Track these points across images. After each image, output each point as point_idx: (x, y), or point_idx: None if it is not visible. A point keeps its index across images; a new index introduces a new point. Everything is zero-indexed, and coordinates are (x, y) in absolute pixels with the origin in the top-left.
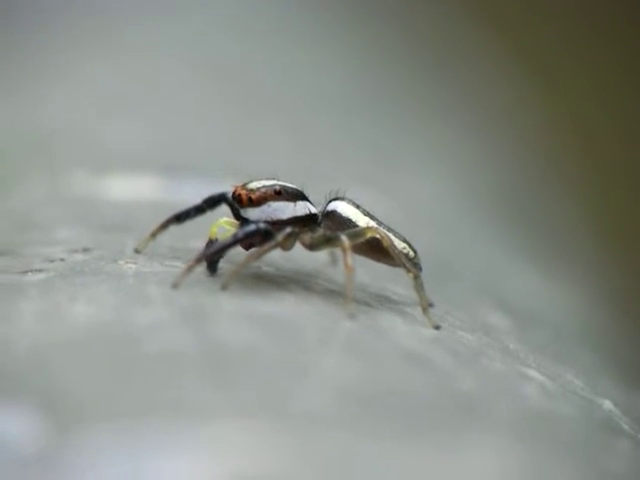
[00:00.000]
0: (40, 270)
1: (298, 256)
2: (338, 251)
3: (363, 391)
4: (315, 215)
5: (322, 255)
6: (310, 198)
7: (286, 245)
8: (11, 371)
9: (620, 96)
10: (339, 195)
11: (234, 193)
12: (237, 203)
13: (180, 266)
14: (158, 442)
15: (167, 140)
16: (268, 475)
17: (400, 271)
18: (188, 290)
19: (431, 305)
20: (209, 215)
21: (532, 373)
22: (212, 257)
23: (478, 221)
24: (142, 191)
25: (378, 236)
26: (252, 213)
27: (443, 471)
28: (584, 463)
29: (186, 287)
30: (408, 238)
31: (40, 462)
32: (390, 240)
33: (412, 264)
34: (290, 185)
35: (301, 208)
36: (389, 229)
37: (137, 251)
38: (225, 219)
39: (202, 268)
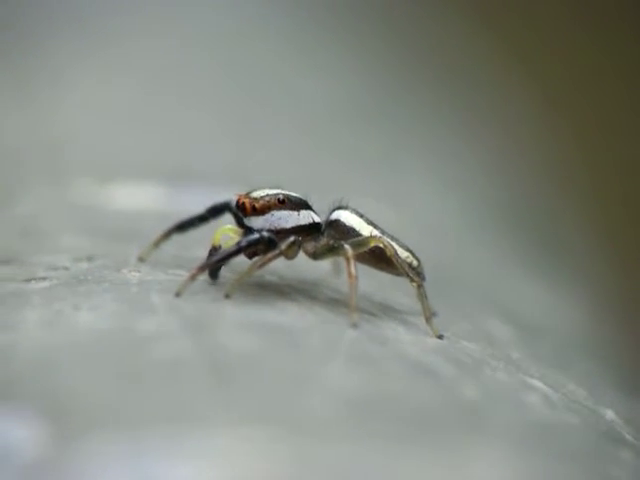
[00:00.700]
0: (44, 278)
1: (302, 265)
2: (341, 260)
3: (366, 400)
4: (318, 224)
5: (325, 264)
6: (314, 207)
7: (289, 254)
8: (15, 378)
9: (623, 109)
10: (342, 204)
11: (238, 202)
12: (241, 212)
13: (183, 274)
14: (161, 450)
15: (171, 149)
16: None
17: (403, 280)
18: (192, 299)
19: (434, 314)
20: (212, 224)
21: (535, 383)
22: (215, 265)
23: (482, 231)
24: (146, 200)
25: (381, 245)
26: (256, 222)
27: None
28: (587, 473)
29: (189, 295)
30: (412, 248)
31: (43, 468)
32: (393, 249)
33: (415, 273)
34: (294, 194)
35: (305, 217)
36: (392, 238)
37: (141, 260)
38: (229, 226)
39: (205, 276)
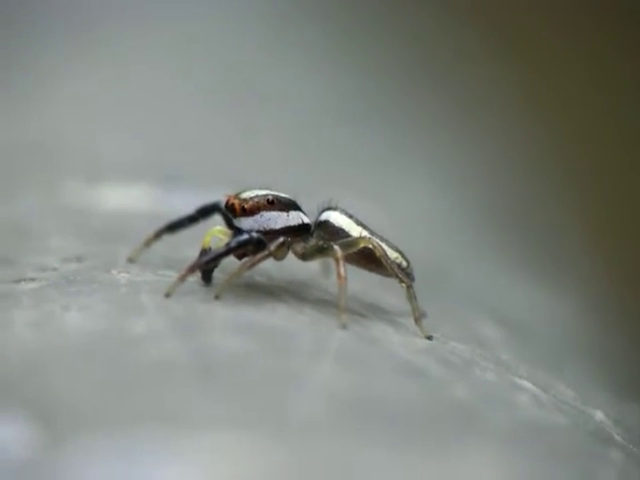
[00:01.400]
0: (33, 279)
1: (291, 266)
2: (331, 261)
3: (356, 401)
4: (308, 225)
5: (315, 265)
6: (303, 208)
7: (279, 255)
8: (4, 379)
9: (622, 110)
10: (332, 205)
11: (227, 203)
12: (230, 212)
13: (173, 275)
14: (151, 451)
15: (161, 150)
16: None
17: (393, 281)
18: (181, 299)
19: (424, 315)
20: (202, 225)
21: (524, 384)
22: (205, 266)
23: (474, 233)
24: (136, 201)
25: (371, 246)
26: (245, 222)
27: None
28: (576, 473)
29: (179, 296)
30: (403, 248)
31: (33, 470)
32: (383, 250)
33: (405, 274)
34: (283, 195)
35: (294, 218)
36: (382, 239)
37: (130, 261)
38: (219, 228)
39: (196, 278)
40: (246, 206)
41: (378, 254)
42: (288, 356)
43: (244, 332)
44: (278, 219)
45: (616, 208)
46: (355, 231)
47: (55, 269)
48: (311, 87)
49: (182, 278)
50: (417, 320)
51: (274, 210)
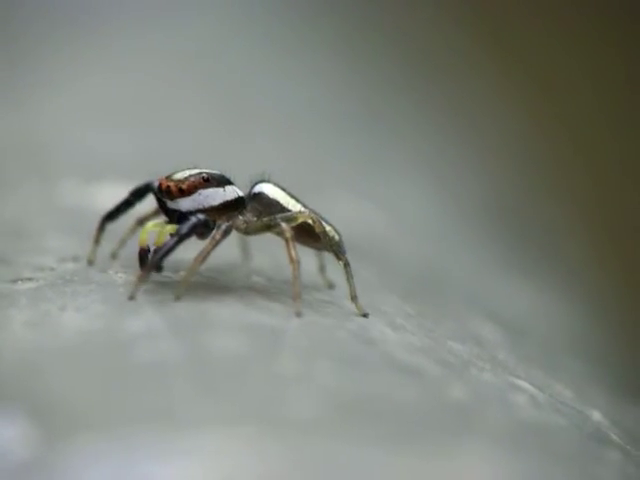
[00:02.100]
0: (30, 279)
1: (287, 266)
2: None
3: (352, 400)
4: (243, 198)
5: (313, 266)
6: (234, 182)
7: (224, 238)
8: (1, 379)
9: (620, 110)
10: (264, 177)
11: (161, 186)
12: (166, 195)
13: (170, 276)
14: (148, 450)
15: (156, 150)
16: None
17: (393, 283)
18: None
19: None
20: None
21: (522, 384)
22: (160, 261)
23: (470, 233)
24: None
25: (310, 221)
26: (183, 203)
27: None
28: (573, 473)
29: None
30: (402, 250)
31: (30, 469)
32: (322, 226)
33: (340, 249)
34: (214, 171)
35: (230, 192)
36: (314, 212)
37: (90, 263)
38: (151, 223)
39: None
40: (183, 186)
41: (318, 230)
42: (284, 356)
43: (241, 332)
44: (216, 195)
45: (613, 208)
46: (290, 203)
47: (52, 269)
48: (307, 88)
49: (140, 280)
50: (353, 298)
51: (211, 187)
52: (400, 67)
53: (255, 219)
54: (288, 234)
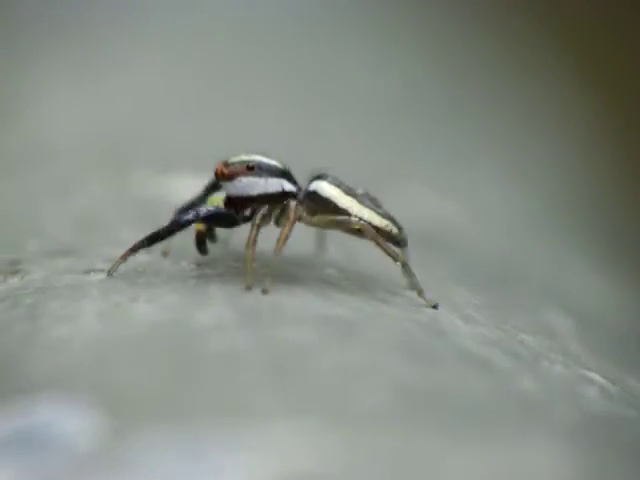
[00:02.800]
0: (103, 270)
1: (362, 258)
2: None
3: (422, 391)
4: (289, 193)
5: (385, 259)
6: (295, 177)
7: (263, 224)
8: (72, 369)
9: None
10: (322, 173)
11: (216, 168)
12: (215, 177)
13: (240, 268)
14: (216, 441)
15: (230, 143)
16: (326, 474)
17: (465, 274)
18: (250, 290)
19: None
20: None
21: (593, 376)
22: (148, 244)
23: (547, 225)
24: None
25: (363, 230)
26: (226, 187)
27: (501, 472)
28: None
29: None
30: (477, 242)
31: (100, 458)
32: (374, 233)
33: (394, 241)
34: (269, 161)
35: (272, 185)
36: (373, 207)
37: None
38: (218, 196)
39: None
40: (225, 171)
41: (370, 238)
42: (354, 348)
43: (311, 323)
44: (255, 185)
45: None
46: (343, 201)
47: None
48: (387, 80)
49: (125, 257)
50: (420, 293)
51: (252, 176)
52: (483, 60)
53: (309, 216)
54: (291, 216)
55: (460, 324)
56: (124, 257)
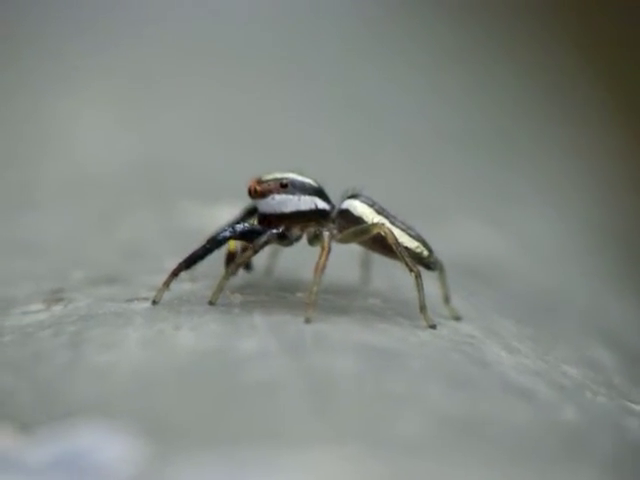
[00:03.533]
0: (146, 298)
1: (405, 288)
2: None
3: (463, 421)
4: (322, 211)
5: (436, 289)
6: (328, 195)
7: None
8: (114, 396)
9: None
10: (356, 192)
11: (249, 185)
12: (249, 194)
13: (286, 296)
14: (255, 466)
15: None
16: None
17: (511, 306)
18: (293, 320)
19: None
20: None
21: (636, 408)
22: (187, 267)
23: (588, 257)
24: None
25: (383, 233)
26: (259, 205)
27: None
28: None
29: (292, 317)
30: (521, 274)
31: None
32: (394, 237)
33: (425, 263)
34: (302, 179)
35: (305, 203)
36: (404, 228)
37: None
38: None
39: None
40: (258, 188)
41: (390, 241)
42: (397, 377)
43: (354, 353)
44: (288, 203)
45: None
46: (375, 220)
47: (168, 289)
48: (431, 106)
49: (168, 282)
50: (422, 309)
51: (285, 193)
52: (534, 95)
53: (339, 234)
54: (325, 242)
55: (504, 355)
56: (167, 283)
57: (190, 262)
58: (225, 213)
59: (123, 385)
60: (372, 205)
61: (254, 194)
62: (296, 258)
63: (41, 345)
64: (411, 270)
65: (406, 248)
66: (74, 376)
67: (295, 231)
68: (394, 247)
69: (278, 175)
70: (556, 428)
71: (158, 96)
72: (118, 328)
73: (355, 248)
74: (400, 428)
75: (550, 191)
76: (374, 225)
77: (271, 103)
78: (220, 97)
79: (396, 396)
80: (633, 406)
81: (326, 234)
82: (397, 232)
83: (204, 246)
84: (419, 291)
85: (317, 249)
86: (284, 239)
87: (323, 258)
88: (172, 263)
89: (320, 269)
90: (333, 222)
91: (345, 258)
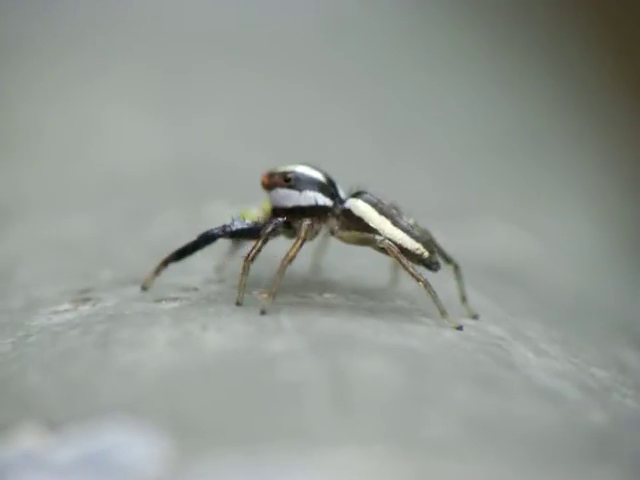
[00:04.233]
0: (174, 299)
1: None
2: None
3: (491, 422)
4: (324, 207)
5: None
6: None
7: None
8: (141, 395)
9: None
10: (360, 190)
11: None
12: (262, 186)
13: (313, 297)
14: (280, 466)
15: None
16: None
17: (539, 307)
18: (321, 320)
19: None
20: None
21: None
22: (177, 258)
23: (622, 263)
24: None
25: (385, 247)
26: (269, 197)
27: None
28: None
29: (318, 317)
30: (551, 277)
31: None
32: (397, 252)
33: (425, 264)
34: (310, 173)
35: (307, 198)
36: (407, 229)
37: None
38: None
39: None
40: (265, 181)
41: (392, 256)
42: (424, 378)
43: (382, 354)
44: (290, 197)
45: None
46: (375, 221)
47: (196, 289)
48: (462, 114)
49: (158, 270)
50: (443, 314)
51: (288, 188)
52: (563, 96)
53: (341, 231)
54: (302, 233)
55: (531, 357)
56: (157, 271)
57: (180, 255)
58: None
59: (150, 385)
60: (375, 205)
61: (263, 186)
62: (326, 259)
63: (69, 344)
64: (418, 280)
65: (406, 250)
66: (101, 375)
67: (297, 224)
68: (398, 261)
69: (287, 168)
70: (584, 430)
71: (189, 97)
72: (145, 328)
73: None
74: (427, 429)
75: (579, 193)
76: (380, 241)
77: (302, 106)
78: (252, 98)
79: (423, 397)
80: None
81: (305, 224)
82: (399, 234)
83: (194, 241)
84: (433, 298)
85: (348, 248)
86: (290, 228)
87: (294, 249)
88: (200, 263)
89: (288, 259)
90: (338, 218)
91: (373, 259)
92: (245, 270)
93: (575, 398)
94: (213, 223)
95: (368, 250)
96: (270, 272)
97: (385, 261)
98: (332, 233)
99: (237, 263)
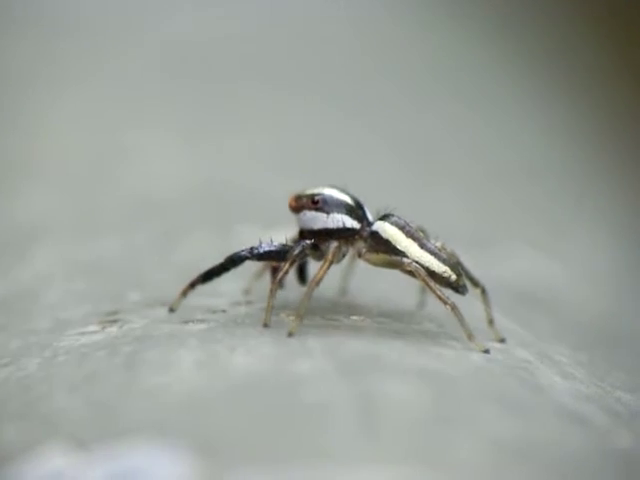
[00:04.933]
0: (202, 320)
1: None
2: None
3: (516, 445)
4: (352, 229)
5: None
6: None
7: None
8: (168, 416)
9: None
10: (388, 212)
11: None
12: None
13: (341, 319)
14: None
15: None
16: None
17: (569, 331)
18: (347, 342)
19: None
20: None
21: None
22: (203, 281)
23: None
24: None
25: (412, 270)
26: (297, 219)
27: None
28: None
29: (345, 339)
30: (577, 301)
31: None
32: (424, 276)
33: (453, 287)
34: (338, 196)
35: (334, 221)
36: (434, 252)
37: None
38: None
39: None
40: (292, 204)
41: (419, 279)
42: (450, 400)
43: (409, 376)
44: (317, 220)
45: None
46: (403, 243)
47: (224, 311)
48: (490, 141)
49: (184, 293)
50: (469, 337)
51: (315, 210)
52: (587, 125)
53: (368, 253)
54: (329, 256)
55: (558, 380)
56: (184, 293)
57: (207, 277)
58: (282, 237)
59: (177, 406)
60: (402, 227)
61: (290, 208)
62: (354, 281)
63: (97, 365)
64: (445, 303)
65: (433, 273)
66: (129, 396)
67: (324, 246)
68: (425, 284)
69: (315, 191)
70: (610, 455)
71: (217, 121)
72: (173, 349)
73: None
74: (453, 452)
75: (606, 218)
76: (407, 264)
77: (331, 129)
78: (281, 122)
79: (450, 420)
80: None
81: (333, 247)
82: (426, 257)
83: (221, 263)
84: (460, 321)
85: (375, 270)
86: (317, 250)
87: (322, 272)
88: (228, 286)
89: (315, 282)
90: (365, 241)
91: (401, 282)
92: (273, 292)
93: (601, 422)
94: (241, 246)
95: (395, 273)
96: (298, 294)
97: (412, 284)
98: (359, 255)
99: (265, 285)
